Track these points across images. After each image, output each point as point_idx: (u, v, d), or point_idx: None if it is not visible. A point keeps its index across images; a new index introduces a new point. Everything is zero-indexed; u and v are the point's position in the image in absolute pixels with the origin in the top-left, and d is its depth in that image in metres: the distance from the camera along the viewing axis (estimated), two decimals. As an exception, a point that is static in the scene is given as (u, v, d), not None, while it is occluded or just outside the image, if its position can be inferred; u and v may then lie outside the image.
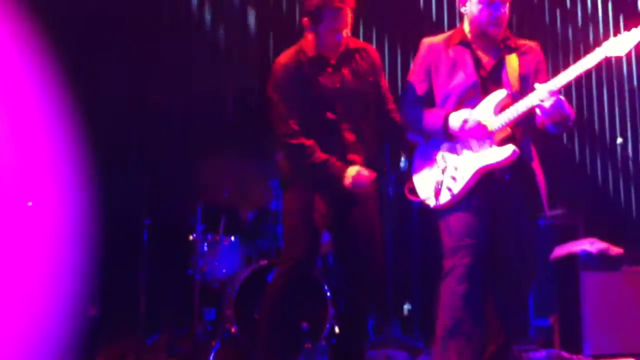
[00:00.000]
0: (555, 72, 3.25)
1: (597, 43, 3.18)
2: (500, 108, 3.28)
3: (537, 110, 3.20)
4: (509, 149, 3.24)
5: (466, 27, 3.44)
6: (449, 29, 4.02)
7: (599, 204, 6.39)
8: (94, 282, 4.27)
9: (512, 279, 3.33)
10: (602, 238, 5.02)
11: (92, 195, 4.26)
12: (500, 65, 3.37)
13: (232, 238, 4.98)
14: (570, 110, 3.26)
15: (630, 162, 6.11)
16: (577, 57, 3.24)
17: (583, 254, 4.84)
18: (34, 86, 3.99)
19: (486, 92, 3.32)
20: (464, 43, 3.41)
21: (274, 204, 5.05)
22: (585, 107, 6.43)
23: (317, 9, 3.49)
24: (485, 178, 3.28)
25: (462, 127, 3.27)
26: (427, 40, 3.52)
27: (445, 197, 3.30)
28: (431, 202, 3.33)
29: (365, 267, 3.61)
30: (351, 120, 3.60)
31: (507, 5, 3.36)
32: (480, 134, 3.26)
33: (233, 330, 4.48)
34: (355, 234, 3.62)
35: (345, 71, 3.61)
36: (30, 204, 3.84)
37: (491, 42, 3.39)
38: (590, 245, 4.91)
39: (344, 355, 3.71)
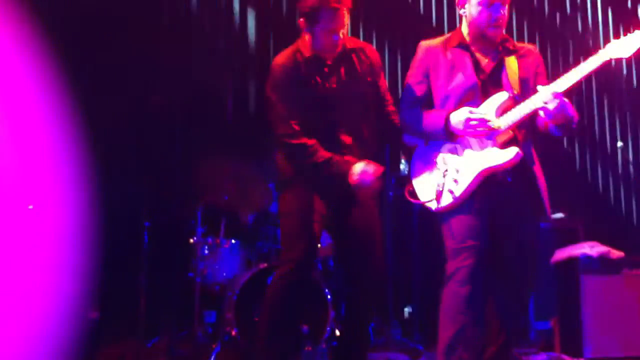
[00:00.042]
0: (555, 75, 3.25)
1: (597, 47, 3.19)
2: (502, 110, 3.27)
3: (541, 113, 3.19)
4: (513, 152, 3.23)
5: (464, 29, 3.43)
6: (449, 31, 4.03)
7: (599, 208, 6.40)
8: (94, 284, 4.25)
9: (513, 280, 3.32)
10: (602, 242, 5.02)
11: (93, 198, 4.25)
12: (499, 67, 3.36)
13: (233, 241, 4.97)
14: (574, 113, 3.25)
15: (631, 166, 6.11)
16: (576, 61, 3.25)
17: (583, 257, 4.84)
18: (34, 88, 3.99)
19: (486, 94, 3.31)
20: (463, 45, 3.40)
21: (274, 207, 5.05)
22: (585, 111, 6.43)
23: (313, 9, 3.47)
24: (487, 180, 3.27)
25: (466, 123, 3.25)
26: (424, 43, 3.51)
27: (447, 200, 3.29)
28: (433, 205, 3.31)
29: (365, 268, 3.59)
30: (349, 121, 3.58)
31: (507, 7, 3.35)
32: (484, 130, 3.25)
33: (233, 333, 4.48)
34: (355, 234, 3.60)
35: (343, 72, 3.59)
36: (30, 206, 3.83)
37: (490, 44, 3.38)
38: (590, 248, 4.91)
39: (346, 359, 3.69)
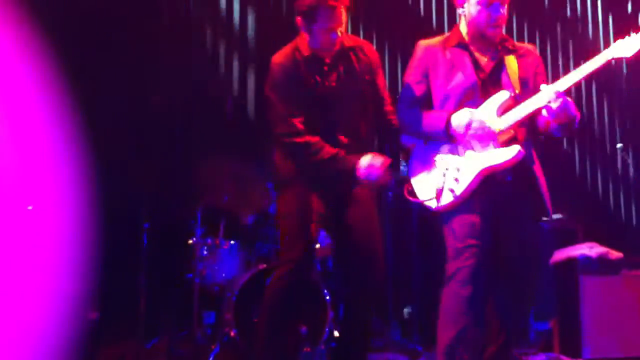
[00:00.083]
0: (555, 77, 3.25)
1: (596, 47, 3.20)
2: (503, 110, 3.27)
3: (544, 112, 3.19)
4: (514, 150, 3.21)
5: (463, 28, 3.42)
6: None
7: (598, 209, 6.40)
8: (94, 284, 4.25)
9: (515, 280, 3.31)
10: (601, 242, 5.03)
11: (92, 198, 4.25)
12: (499, 66, 3.35)
13: (232, 242, 4.96)
14: (576, 112, 3.24)
15: (630, 167, 6.11)
16: (576, 62, 3.26)
17: (582, 258, 4.84)
18: (34, 88, 3.99)
19: (486, 93, 3.31)
20: (462, 45, 3.39)
21: (273, 208, 5.04)
22: (584, 112, 6.43)
23: (311, 8, 3.44)
24: (487, 180, 3.26)
25: (466, 129, 3.24)
26: (423, 42, 3.49)
27: (447, 199, 3.27)
28: (432, 204, 3.29)
29: (365, 267, 3.57)
30: (347, 120, 3.57)
31: (506, 6, 3.34)
32: (486, 137, 3.24)
33: (232, 334, 4.48)
34: (354, 232, 3.58)
35: (341, 70, 3.57)
36: (30, 207, 3.83)
37: (489, 44, 3.38)
38: (589, 249, 4.91)
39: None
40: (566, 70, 3.21)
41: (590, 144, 6.51)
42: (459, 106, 3.31)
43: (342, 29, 3.51)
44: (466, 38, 3.40)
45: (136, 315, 4.72)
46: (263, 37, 5.93)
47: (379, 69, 3.70)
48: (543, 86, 3.18)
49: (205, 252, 4.86)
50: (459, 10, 3.41)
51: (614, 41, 3.18)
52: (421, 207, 3.43)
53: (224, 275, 4.87)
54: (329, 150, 3.47)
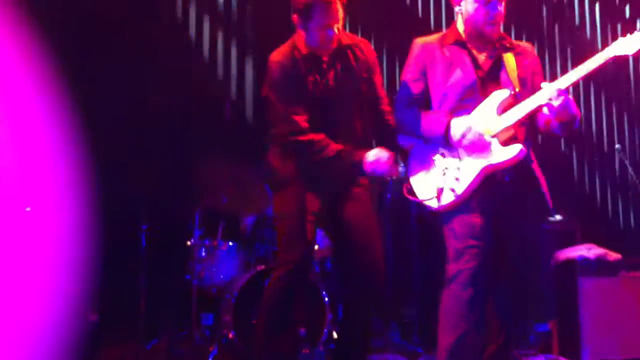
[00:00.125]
0: (553, 76, 3.25)
1: (594, 47, 3.20)
2: (503, 108, 3.24)
3: (545, 110, 3.17)
4: (516, 148, 3.20)
5: (460, 26, 3.39)
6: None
7: (596, 210, 6.40)
8: (93, 286, 4.25)
9: (515, 280, 3.30)
10: (600, 244, 5.03)
11: (91, 200, 4.25)
12: (498, 64, 3.33)
13: (230, 243, 4.96)
14: (577, 111, 3.23)
15: (629, 168, 6.11)
16: (574, 62, 3.26)
17: (581, 259, 4.84)
18: (33, 90, 3.99)
19: (485, 91, 3.28)
20: (459, 43, 3.36)
21: (271, 209, 5.03)
22: (582, 113, 6.43)
23: (307, 5, 3.41)
24: (486, 180, 3.24)
25: (460, 140, 3.22)
26: (420, 40, 3.46)
27: (448, 198, 3.24)
28: (433, 204, 3.26)
29: (364, 267, 3.54)
30: (345, 119, 3.55)
31: (503, 4, 3.31)
32: (479, 148, 3.22)
33: (231, 335, 4.47)
34: (353, 231, 3.55)
35: (339, 69, 3.54)
36: (28, 209, 3.83)
37: (487, 42, 3.35)
38: (587, 251, 4.91)
39: None
40: (564, 73, 3.19)
41: (588, 145, 6.52)
42: (458, 104, 3.29)
43: (339, 26, 3.47)
44: (463, 36, 3.37)
45: (135, 316, 4.72)
46: (263, 38, 5.93)
47: (376, 67, 3.68)
48: (544, 84, 3.16)
49: (203, 254, 4.86)
50: (456, 9, 3.39)
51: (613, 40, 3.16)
52: (420, 207, 3.41)
53: (222, 276, 4.87)
54: (334, 147, 3.44)
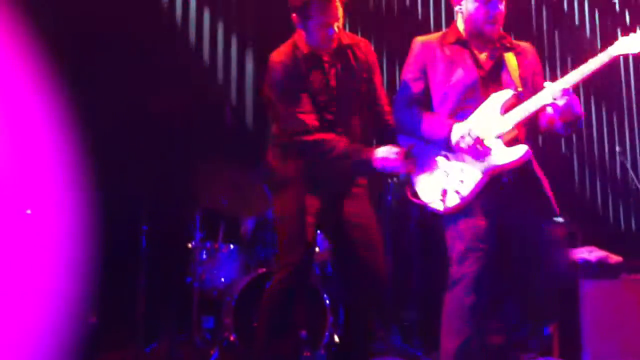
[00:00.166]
0: (553, 76, 3.24)
1: (594, 48, 3.18)
2: (506, 108, 3.21)
3: (549, 109, 3.15)
4: (522, 149, 3.16)
5: (460, 25, 3.36)
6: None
7: (597, 212, 6.40)
8: (93, 289, 4.25)
9: (517, 282, 3.29)
10: (601, 246, 5.02)
11: (91, 202, 4.25)
12: (499, 64, 3.30)
13: (231, 246, 4.96)
14: (581, 111, 3.20)
15: (629, 171, 6.11)
16: (574, 62, 3.25)
17: (582, 262, 4.83)
18: (33, 92, 3.99)
19: (487, 91, 3.25)
20: (461, 42, 3.33)
21: (271, 212, 5.03)
22: (583, 115, 6.43)
23: (305, 3, 3.37)
24: (489, 181, 3.20)
25: (457, 144, 3.20)
26: (420, 39, 3.43)
27: (453, 201, 3.21)
28: (438, 207, 3.23)
29: (366, 267, 3.50)
30: (345, 119, 3.52)
31: (504, 3, 3.28)
32: (476, 154, 3.19)
33: (232, 338, 4.47)
34: (355, 231, 3.52)
35: (339, 68, 3.51)
36: (29, 211, 3.83)
37: (487, 41, 3.32)
38: (589, 253, 4.90)
39: None
40: (563, 73, 3.18)
41: (589, 147, 6.51)
42: (459, 104, 3.26)
43: (340, 25, 3.44)
44: (464, 35, 3.34)
45: (135, 319, 4.71)
46: (263, 38, 5.92)
47: (376, 67, 3.65)
48: (547, 83, 3.14)
49: (204, 256, 4.85)
50: (456, 8, 3.36)
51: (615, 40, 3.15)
52: (422, 209, 3.39)
53: (223, 279, 4.86)
54: (343, 145, 3.41)
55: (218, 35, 5.96)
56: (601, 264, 4.82)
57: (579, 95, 6.34)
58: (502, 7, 3.27)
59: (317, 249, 4.49)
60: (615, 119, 6.54)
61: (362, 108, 3.59)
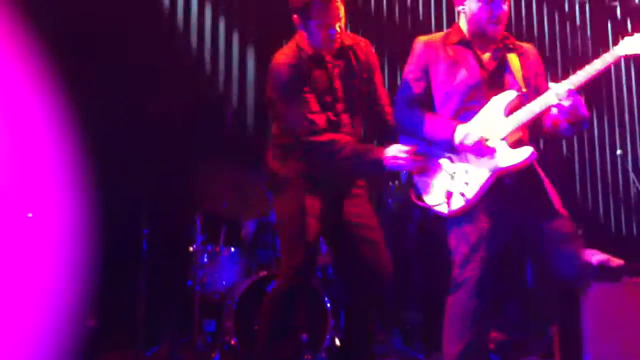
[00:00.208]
0: (554, 77, 3.23)
1: (596, 48, 3.17)
2: (510, 110, 3.19)
3: (554, 110, 3.12)
4: (527, 151, 3.14)
5: (463, 25, 3.33)
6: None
7: (599, 216, 6.40)
8: (93, 292, 4.24)
9: (520, 283, 3.28)
10: (602, 250, 5.01)
11: (92, 205, 4.24)
12: (502, 64, 3.27)
13: (232, 249, 4.95)
14: (587, 112, 3.18)
15: (631, 174, 6.12)
16: (577, 64, 3.24)
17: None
18: (33, 95, 3.99)
19: (490, 92, 3.22)
20: (464, 42, 3.30)
21: (273, 216, 5.02)
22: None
23: (305, 4, 3.36)
24: (493, 183, 3.17)
25: (461, 142, 3.16)
26: (422, 38, 3.39)
27: (458, 203, 3.17)
28: (443, 209, 3.20)
29: (368, 265, 3.48)
30: (346, 119, 3.51)
31: (508, 3, 3.26)
32: (481, 152, 3.16)
33: (233, 342, 4.46)
34: (355, 229, 3.51)
35: (342, 68, 3.50)
36: (30, 214, 3.83)
37: (490, 42, 3.29)
38: (590, 256, 4.89)
39: None
40: (564, 73, 3.17)
41: (590, 150, 6.51)
42: (463, 105, 3.23)
43: (341, 25, 3.42)
44: (467, 35, 3.31)
45: (136, 322, 4.71)
46: (263, 39, 5.93)
47: (377, 67, 3.63)
48: (552, 84, 3.11)
49: (205, 260, 4.85)
50: (459, 8, 3.32)
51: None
52: (423, 212, 3.36)
53: (224, 282, 4.86)
54: (353, 145, 3.39)
55: (219, 36, 5.95)
56: (602, 267, 4.82)
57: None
58: (505, 7, 3.25)
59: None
60: (616, 122, 6.54)
61: (363, 108, 3.58)
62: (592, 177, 6.50)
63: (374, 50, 3.67)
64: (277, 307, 3.52)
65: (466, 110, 3.25)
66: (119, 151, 5.04)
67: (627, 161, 6.20)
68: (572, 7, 6.60)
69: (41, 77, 4.05)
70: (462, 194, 3.17)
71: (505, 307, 3.33)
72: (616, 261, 4.87)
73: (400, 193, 5.26)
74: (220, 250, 4.91)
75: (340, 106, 3.50)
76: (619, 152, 6.14)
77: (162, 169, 5.12)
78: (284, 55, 3.49)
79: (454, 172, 3.22)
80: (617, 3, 6.56)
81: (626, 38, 3.10)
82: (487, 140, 3.17)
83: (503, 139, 3.18)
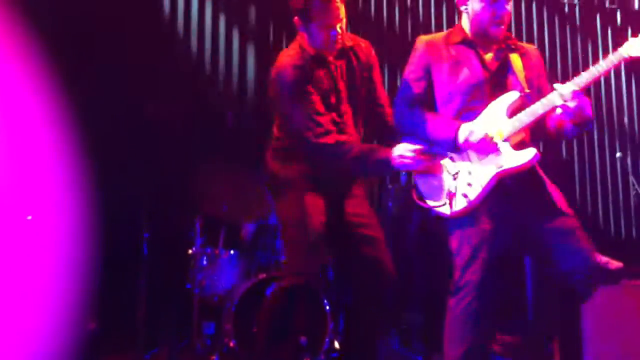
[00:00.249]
0: (554, 79, 3.23)
1: (596, 49, 3.17)
2: (512, 111, 3.18)
3: (558, 110, 3.11)
4: (531, 152, 3.13)
5: (465, 25, 3.33)
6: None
7: (597, 218, 6.39)
8: (93, 295, 4.24)
9: (518, 284, 3.28)
10: (601, 252, 5.01)
11: (91, 208, 4.24)
12: (505, 65, 3.27)
13: (232, 252, 4.94)
14: (591, 113, 3.17)
15: (630, 176, 6.12)
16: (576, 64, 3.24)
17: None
18: (34, 98, 3.98)
19: (493, 92, 3.22)
20: (467, 42, 3.29)
21: (273, 218, 5.02)
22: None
23: (305, 5, 3.36)
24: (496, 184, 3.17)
25: (466, 139, 3.15)
26: (424, 38, 3.39)
27: (460, 204, 3.17)
28: (445, 210, 3.19)
29: (370, 264, 3.47)
30: (348, 119, 3.50)
31: (510, 3, 3.25)
32: (485, 149, 3.16)
33: (232, 344, 4.46)
34: (356, 229, 3.50)
35: (343, 69, 3.50)
36: (29, 217, 3.82)
37: (492, 42, 3.29)
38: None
39: None
40: (564, 74, 3.18)
41: (589, 152, 6.51)
42: (465, 105, 3.22)
43: (343, 25, 3.42)
44: (469, 35, 3.30)
45: (135, 325, 4.70)
46: (264, 40, 5.92)
47: (377, 68, 3.63)
48: (557, 85, 3.10)
49: (205, 262, 4.84)
50: (461, 8, 3.32)
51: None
52: (424, 213, 3.34)
53: (223, 285, 4.85)
54: (359, 146, 3.39)
55: (219, 36, 5.95)
56: (602, 269, 4.81)
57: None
58: (508, 7, 3.24)
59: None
60: (615, 124, 6.54)
61: (363, 109, 3.58)
62: (592, 180, 6.49)
63: (373, 51, 3.66)
64: (277, 309, 3.51)
65: (468, 111, 3.24)
66: (118, 153, 5.04)
67: (627, 164, 6.20)
68: (572, 10, 6.59)
69: (41, 77, 4.05)
70: (465, 195, 3.17)
71: (510, 309, 3.31)
72: (615, 264, 4.86)
73: (400, 195, 5.26)
74: (220, 253, 4.90)
75: (344, 107, 3.49)
76: (618, 154, 6.15)
77: (162, 171, 5.12)
78: (288, 57, 3.48)
79: (457, 173, 3.21)
80: (616, 6, 6.56)
81: (631, 39, 3.09)
82: (491, 138, 3.16)
83: (505, 140, 3.17)
